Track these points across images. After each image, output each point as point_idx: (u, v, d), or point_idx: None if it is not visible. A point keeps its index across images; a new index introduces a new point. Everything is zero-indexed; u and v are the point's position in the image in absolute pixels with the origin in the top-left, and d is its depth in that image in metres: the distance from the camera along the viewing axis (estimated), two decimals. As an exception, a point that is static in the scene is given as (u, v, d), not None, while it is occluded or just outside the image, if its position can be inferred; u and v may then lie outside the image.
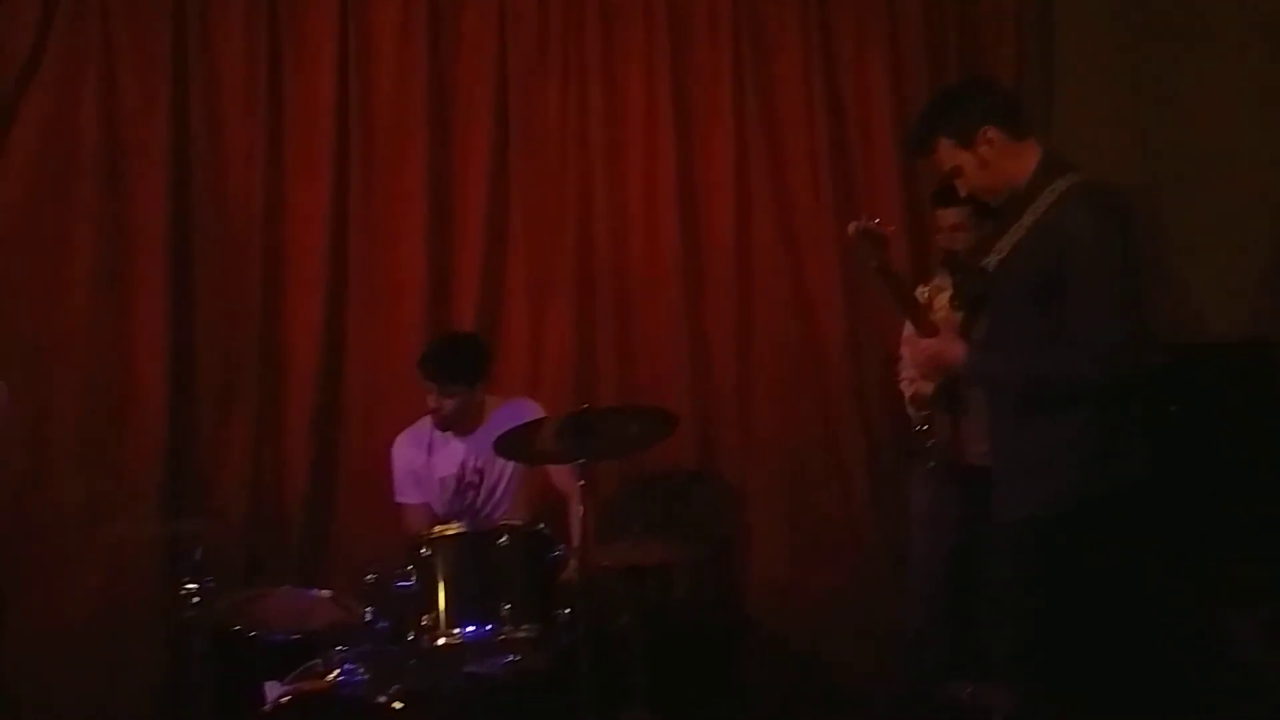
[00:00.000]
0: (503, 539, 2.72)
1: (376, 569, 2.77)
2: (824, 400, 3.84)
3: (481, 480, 3.38)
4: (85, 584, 3.50)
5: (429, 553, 2.72)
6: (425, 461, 3.39)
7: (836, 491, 3.80)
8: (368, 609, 2.72)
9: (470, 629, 2.66)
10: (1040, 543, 2.33)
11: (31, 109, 3.60)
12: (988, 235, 2.70)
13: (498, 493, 3.39)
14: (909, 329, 3.31)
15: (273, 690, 2.59)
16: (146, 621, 3.45)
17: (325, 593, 3.10)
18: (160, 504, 3.50)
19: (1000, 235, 2.47)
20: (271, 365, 3.70)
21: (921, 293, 3.03)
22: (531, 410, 3.30)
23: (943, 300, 3.11)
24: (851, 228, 2.60)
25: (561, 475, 3.36)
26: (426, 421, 3.40)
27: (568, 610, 2.72)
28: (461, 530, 2.80)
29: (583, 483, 2.76)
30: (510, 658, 2.76)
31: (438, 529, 2.82)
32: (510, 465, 3.33)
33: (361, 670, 2.60)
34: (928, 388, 2.87)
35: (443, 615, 2.67)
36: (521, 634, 2.66)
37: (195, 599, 2.77)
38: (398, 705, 2.53)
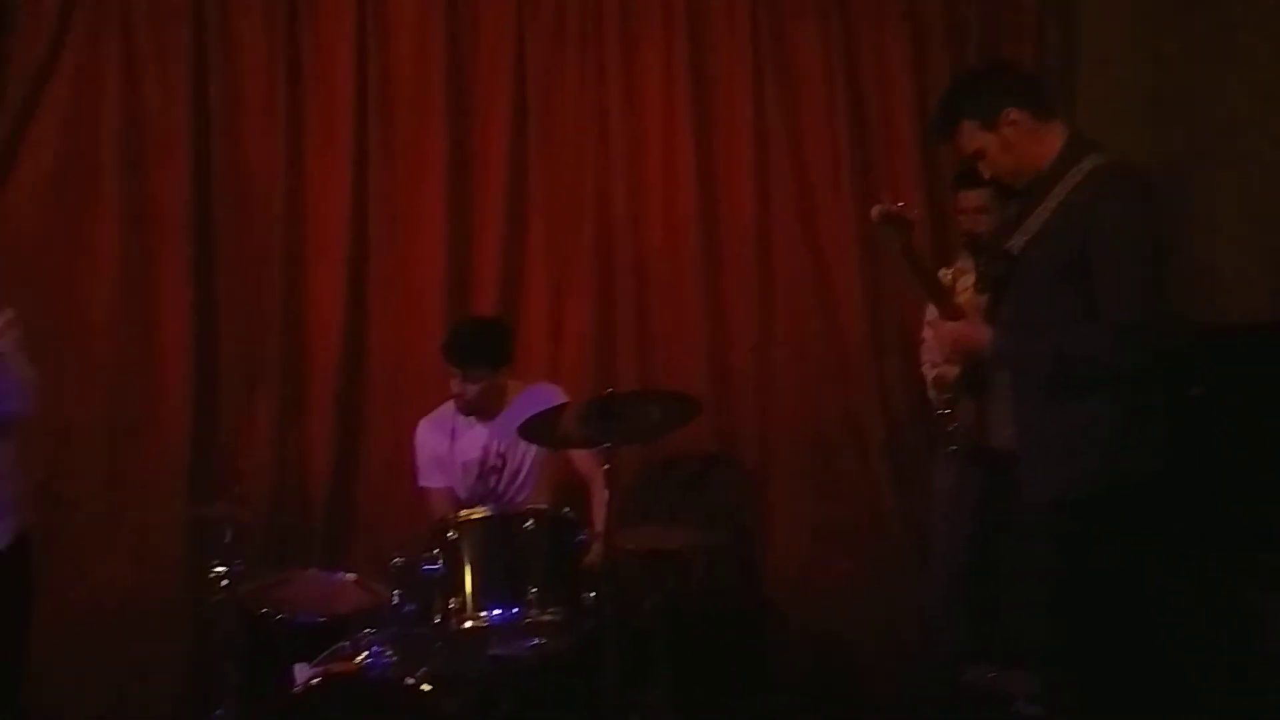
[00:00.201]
0: (529, 523, 2.74)
1: (403, 552, 2.79)
2: (844, 385, 3.84)
3: (504, 465, 3.40)
4: (112, 568, 3.54)
5: (456, 536, 2.74)
6: (448, 446, 3.41)
7: (857, 476, 3.80)
8: (395, 592, 2.74)
9: (497, 612, 2.68)
10: (1066, 526, 2.33)
11: (53, 100, 3.62)
12: (1010, 217, 2.69)
13: (520, 477, 3.41)
14: (931, 313, 3.31)
15: (302, 672, 2.62)
16: (174, 604, 3.48)
17: (350, 576, 3.13)
18: (186, 489, 3.54)
19: (1024, 217, 2.46)
20: (294, 351, 3.73)
21: (944, 276, 3.03)
22: (553, 395, 3.31)
23: (966, 283, 3.12)
24: (875, 211, 2.60)
25: (583, 460, 3.38)
26: (450, 406, 3.42)
27: (593, 594, 2.73)
28: (488, 514, 2.82)
29: (607, 467, 2.77)
30: (535, 641, 2.78)
31: (464, 513, 2.84)
32: (532, 450, 3.35)
33: (389, 652, 2.63)
34: (952, 371, 2.86)
35: (470, 598, 2.69)
36: (548, 617, 2.67)
37: (224, 582, 2.80)
38: (426, 687, 2.55)
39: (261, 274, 3.71)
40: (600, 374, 3.76)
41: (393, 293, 3.77)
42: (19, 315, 2.72)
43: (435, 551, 2.76)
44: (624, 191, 3.85)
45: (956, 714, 3.01)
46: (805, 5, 3.92)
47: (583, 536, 2.84)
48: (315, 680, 2.57)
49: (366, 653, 2.64)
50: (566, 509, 2.89)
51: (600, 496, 3.15)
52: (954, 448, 3.10)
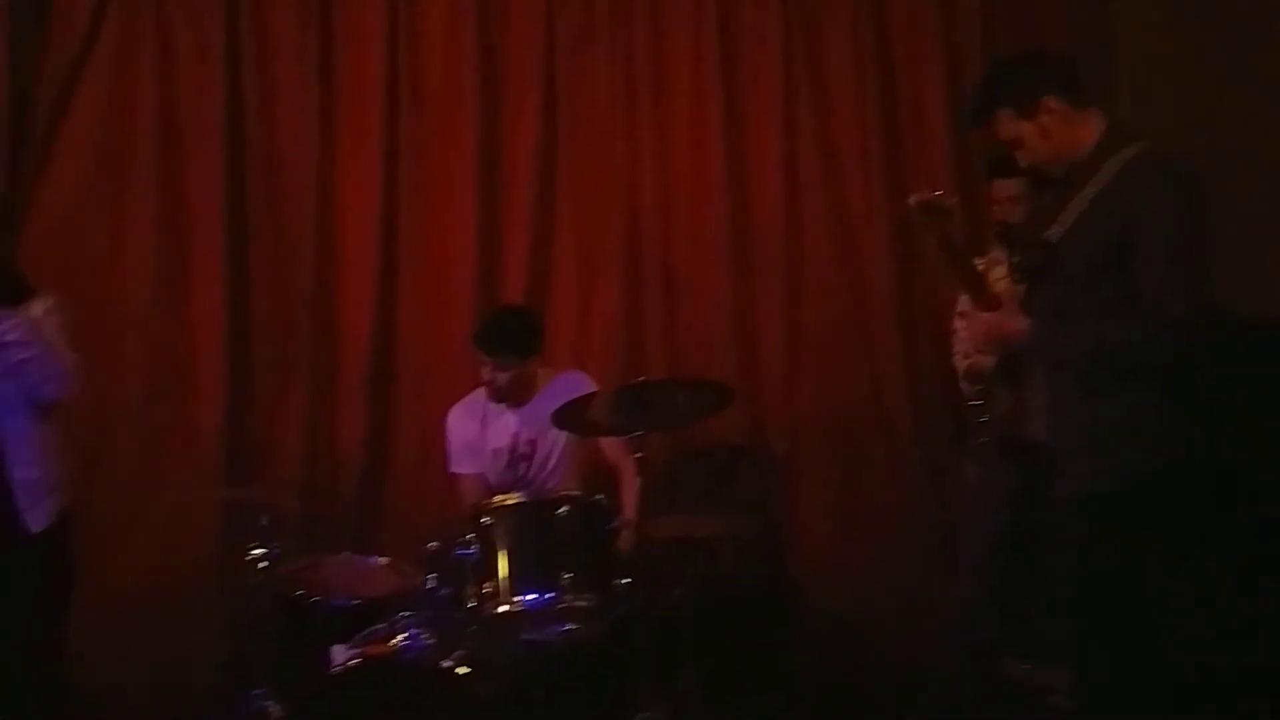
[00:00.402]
0: (563, 509, 2.76)
1: (438, 536, 2.82)
2: (874, 375, 3.84)
3: (534, 452, 3.42)
4: (149, 551, 3.59)
5: (490, 521, 2.76)
6: (479, 433, 3.44)
7: (886, 466, 3.80)
8: (430, 575, 2.77)
9: (531, 597, 2.70)
10: (1102, 519, 2.32)
11: (89, 90, 3.67)
12: (1045, 207, 2.68)
13: (549, 464, 3.43)
14: (963, 303, 3.29)
15: (340, 653, 2.66)
16: (210, 587, 3.53)
17: (383, 560, 3.17)
18: (220, 474, 3.58)
19: (1061, 206, 2.44)
20: (325, 338, 3.76)
21: (977, 266, 3.01)
22: (583, 383, 3.33)
23: (998, 274, 3.10)
24: (912, 200, 2.59)
25: (613, 447, 3.40)
26: (480, 393, 3.44)
27: (625, 581, 2.75)
28: (522, 500, 2.85)
29: (640, 455, 2.78)
30: (568, 626, 2.80)
31: (499, 498, 2.86)
32: (562, 437, 3.37)
33: (425, 635, 2.66)
34: (987, 362, 2.85)
35: (504, 583, 2.71)
36: (581, 603, 2.70)
37: (261, 564, 2.84)
38: (461, 670, 2.58)
39: (294, 262, 3.75)
40: (628, 362, 3.78)
41: (423, 281, 3.80)
42: (59, 301, 2.76)
43: (469, 536, 2.78)
44: (653, 181, 3.86)
45: (990, 706, 3.01)
46: (837, -4, 3.92)
47: (615, 523, 2.85)
48: (353, 661, 2.60)
49: (403, 635, 2.67)
50: (599, 495, 2.91)
51: (631, 484, 3.17)
52: (985, 439, 3.10)
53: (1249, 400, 2.76)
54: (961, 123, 3.74)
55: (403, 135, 3.78)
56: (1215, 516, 2.40)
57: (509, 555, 2.74)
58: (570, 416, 2.92)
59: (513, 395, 3.38)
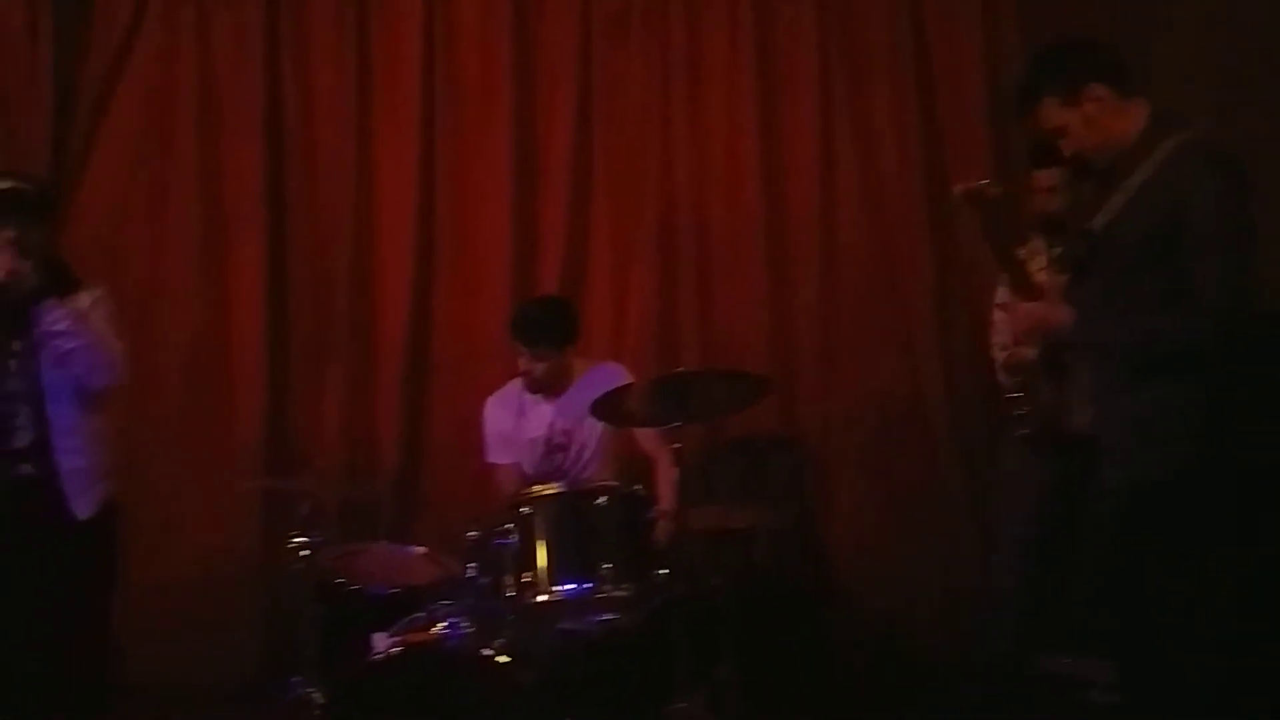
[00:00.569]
0: (601, 499, 2.77)
1: (477, 525, 2.83)
2: (910, 365, 3.83)
3: (569, 442, 3.43)
4: (190, 538, 3.64)
5: (530, 511, 2.77)
6: (515, 423, 3.45)
7: (922, 457, 3.79)
8: (470, 565, 2.79)
9: (570, 587, 2.71)
10: (1147, 511, 2.30)
11: (131, 82, 3.72)
12: (1086, 197, 2.65)
13: (585, 455, 3.44)
14: (1001, 294, 3.27)
15: (381, 641, 2.68)
16: (250, 575, 3.58)
17: (420, 549, 3.18)
18: (260, 463, 3.62)
19: (1105, 196, 2.42)
20: (363, 328, 3.80)
21: (1021, 256, 2.98)
22: (618, 374, 3.33)
23: (1038, 264, 3.07)
24: (958, 189, 2.57)
25: (648, 438, 3.40)
26: (517, 384, 3.45)
27: (663, 571, 2.76)
28: (561, 490, 2.85)
29: (678, 446, 2.78)
30: (605, 616, 2.81)
31: (538, 488, 2.87)
32: (598, 428, 3.37)
33: (465, 624, 2.67)
34: (1029, 353, 2.83)
35: (543, 572, 2.72)
36: (620, 593, 2.70)
37: (302, 553, 2.87)
38: (502, 659, 2.60)
39: (331, 253, 3.79)
40: (663, 352, 3.79)
41: (459, 272, 3.83)
42: (106, 292, 2.80)
43: (508, 525, 2.79)
44: (687, 171, 3.86)
45: (1029, 700, 2.99)
46: (873, -17, 3.90)
47: (653, 513, 2.86)
48: (394, 650, 2.62)
49: (443, 624, 2.68)
50: (637, 486, 2.91)
51: (668, 475, 3.17)
52: (1024, 431, 3.08)
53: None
54: (1000, 110, 3.73)
55: (439, 126, 3.81)
56: (1264, 508, 2.37)
57: (548, 545, 2.74)
58: (608, 407, 2.92)
59: (549, 386, 3.39)
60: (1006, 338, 3.19)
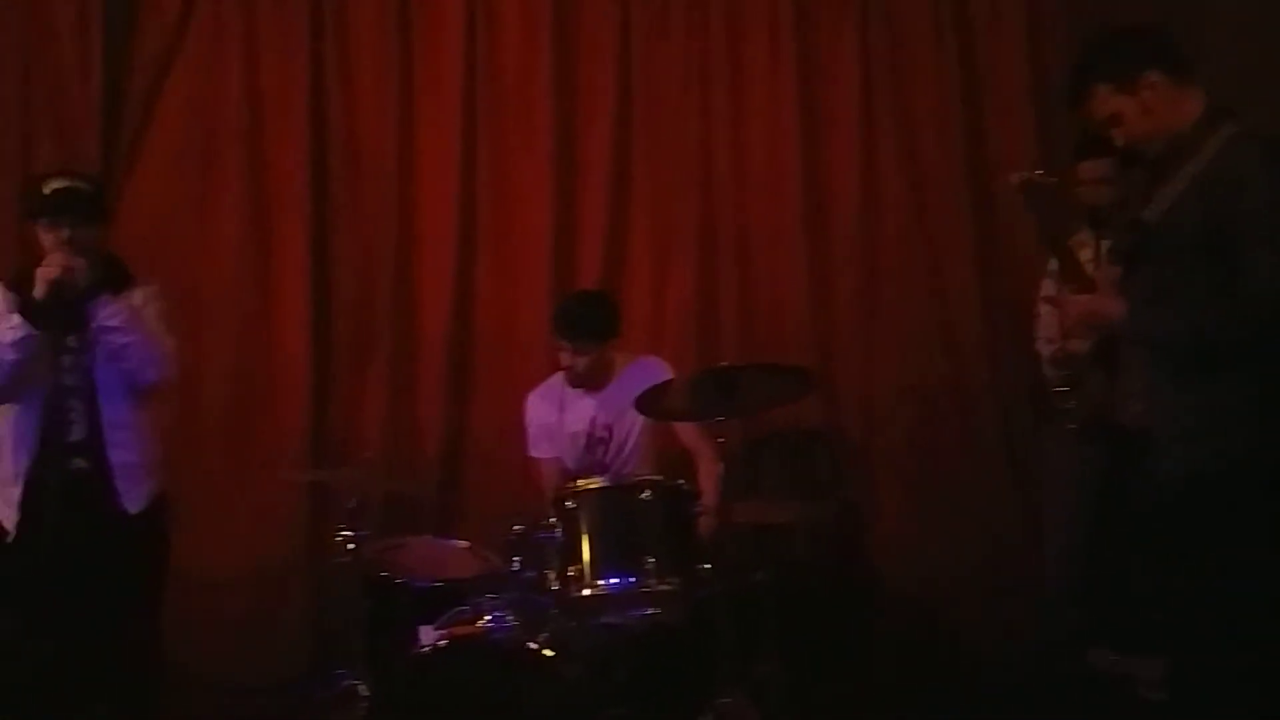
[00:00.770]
0: (646, 493, 2.77)
1: (522, 519, 2.84)
2: (953, 359, 3.80)
3: (610, 436, 3.43)
4: (237, 532, 3.68)
5: (574, 505, 2.78)
6: (557, 417, 3.46)
7: (966, 452, 3.76)
8: (515, 558, 2.80)
9: (614, 580, 2.72)
10: (1202, 505, 2.26)
11: (178, 82, 3.76)
12: (1134, 188, 2.61)
13: (626, 449, 3.43)
14: (1046, 287, 3.24)
15: (427, 634, 2.70)
16: (296, 568, 3.61)
17: (463, 543, 3.21)
18: (305, 457, 3.66)
19: (1157, 186, 2.38)
20: (405, 324, 3.82)
21: (1074, 248, 2.94)
22: (660, 369, 3.33)
23: (1086, 256, 3.04)
24: (1014, 178, 2.55)
25: (689, 432, 3.39)
26: (559, 378, 3.46)
27: (707, 565, 2.75)
28: (606, 484, 2.86)
29: (722, 440, 2.78)
30: (649, 610, 2.81)
31: (582, 482, 2.87)
32: (639, 422, 3.37)
33: (510, 617, 2.68)
34: (1080, 345, 2.80)
35: (588, 566, 2.73)
36: (665, 587, 2.70)
37: (350, 545, 2.89)
38: (548, 652, 2.61)
39: (375, 249, 3.82)
40: (703, 346, 3.79)
41: (500, 267, 3.84)
42: (159, 289, 2.84)
43: (552, 520, 2.80)
44: (727, 164, 3.85)
45: (1076, 697, 2.96)
46: (915, -27, 3.86)
47: (697, 508, 2.85)
48: (442, 642, 2.64)
49: (488, 617, 2.70)
50: (681, 480, 2.91)
51: (711, 469, 3.16)
52: (1072, 425, 3.05)
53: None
54: (1044, 102, 3.68)
55: (480, 124, 3.82)
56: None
57: (592, 539, 2.75)
58: (652, 402, 2.92)
59: (590, 380, 3.39)
60: (1052, 331, 3.16)
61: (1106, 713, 2.95)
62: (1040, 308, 3.31)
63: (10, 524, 2.72)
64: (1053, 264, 3.13)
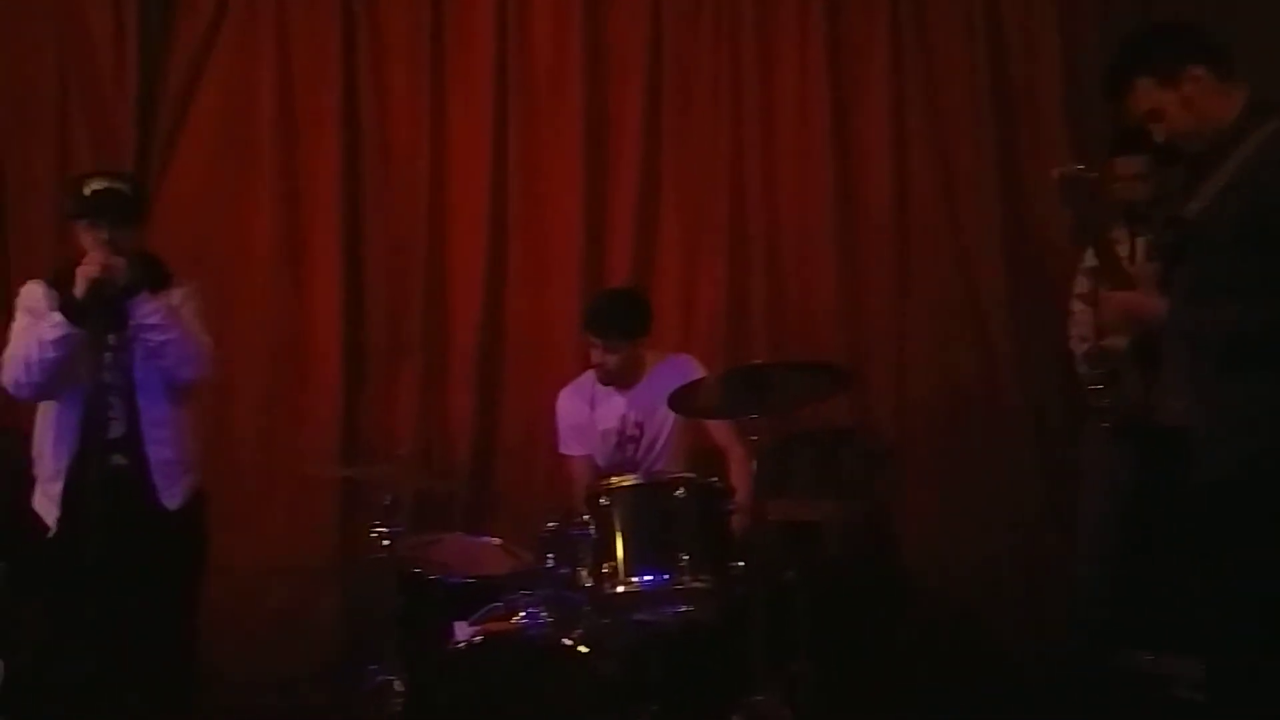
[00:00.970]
0: (680, 491, 2.76)
1: (555, 516, 2.85)
2: (985, 357, 3.77)
3: (641, 434, 3.43)
4: (270, 527, 3.71)
5: (608, 502, 2.78)
6: (588, 415, 3.46)
7: (998, 449, 3.73)
8: (549, 555, 2.81)
9: (648, 578, 2.71)
10: (1244, 504, 2.24)
11: (212, 82, 3.80)
12: (1180, 183, 2.59)
13: (657, 447, 3.44)
14: (1080, 284, 3.21)
15: (462, 630, 2.71)
16: (329, 563, 3.64)
17: (494, 540, 3.22)
18: (338, 454, 3.69)
19: (1198, 182, 2.35)
20: (436, 318, 3.84)
21: (1115, 244, 2.91)
22: (691, 367, 3.34)
23: (1122, 253, 3.01)
24: (1056, 173, 2.53)
25: (720, 430, 3.39)
26: (590, 375, 3.47)
27: (741, 563, 2.75)
28: (640, 481, 2.86)
29: (755, 438, 2.77)
30: (682, 608, 2.81)
31: (616, 479, 2.87)
32: (670, 419, 3.37)
33: (544, 613, 2.69)
34: (1119, 342, 2.77)
35: (621, 563, 2.73)
36: (698, 585, 2.70)
37: (384, 542, 2.91)
38: (582, 649, 2.61)
39: (406, 246, 3.84)
40: (732, 344, 3.78)
41: (530, 264, 3.85)
42: (197, 287, 2.87)
43: (585, 517, 2.81)
44: (758, 161, 3.85)
45: (1111, 697, 2.94)
46: (946, -33, 3.84)
47: (731, 505, 2.85)
48: (476, 638, 2.65)
49: (522, 613, 2.71)
50: (714, 478, 2.91)
51: (743, 467, 3.16)
52: (1106, 424, 3.02)
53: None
54: (1077, 98, 3.65)
55: (511, 120, 3.84)
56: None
57: (626, 536, 2.75)
58: (684, 400, 2.92)
59: (621, 377, 3.40)
60: (1086, 329, 3.13)
61: (1138, 712, 2.92)
62: (1074, 305, 3.28)
63: (51, 519, 2.76)
64: (1086, 261, 3.11)
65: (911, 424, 3.79)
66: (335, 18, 3.80)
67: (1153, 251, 2.43)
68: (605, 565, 2.74)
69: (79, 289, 2.62)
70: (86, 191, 2.72)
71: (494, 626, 2.71)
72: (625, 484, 2.83)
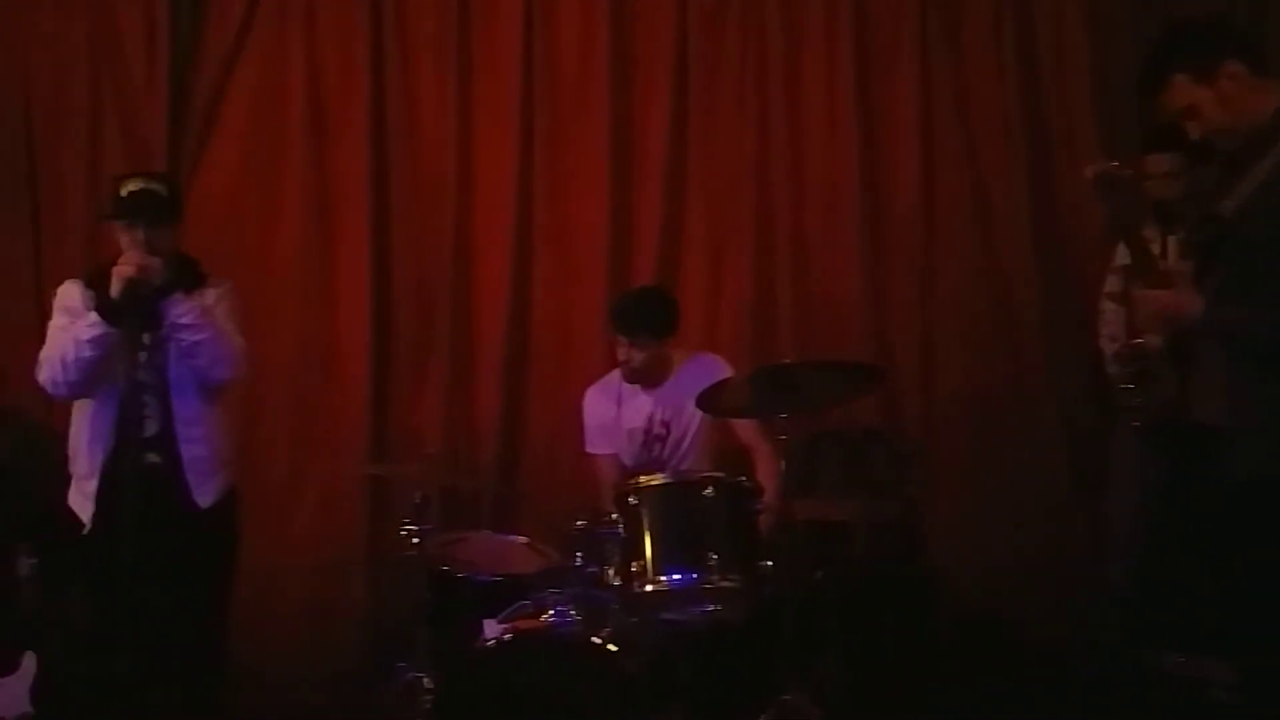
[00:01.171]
0: (708, 490, 2.77)
1: (583, 514, 2.86)
2: (1013, 356, 3.76)
3: (668, 433, 3.43)
4: (299, 525, 3.75)
5: (636, 501, 2.79)
6: (615, 413, 3.46)
7: (1027, 449, 3.72)
8: (578, 553, 2.82)
9: (677, 577, 2.71)
10: (1274, 505, 2.22)
11: (242, 82, 3.83)
12: (1214, 181, 2.56)
13: (683, 445, 3.44)
14: (1111, 283, 3.19)
15: (491, 628, 2.72)
16: (357, 561, 3.66)
17: (520, 538, 3.23)
18: (366, 452, 3.72)
19: (1234, 180, 2.33)
20: (463, 317, 3.86)
21: (1149, 242, 2.88)
22: (718, 366, 3.33)
23: (1153, 251, 2.99)
24: (1090, 170, 2.51)
25: (747, 429, 3.39)
26: (616, 374, 3.47)
27: (769, 563, 2.75)
28: (669, 480, 2.86)
29: (784, 437, 2.77)
30: (709, 607, 2.81)
31: (645, 478, 2.88)
32: (697, 418, 3.37)
33: (573, 612, 2.70)
34: (1154, 341, 2.75)
35: (650, 562, 2.73)
36: (727, 584, 2.70)
37: (414, 540, 2.93)
38: (611, 647, 2.62)
39: (434, 245, 3.86)
40: (759, 344, 3.78)
41: (556, 263, 3.87)
42: (230, 287, 2.89)
43: (614, 515, 2.81)
44: (784, 160, 3.84)
45: (1141, 698, 2.92)
46: (977, -34, 3.82)
47: (759, 505, 2.85)
48: (506, 636, 2.66)
49: (551, 612, 2.71)
50: (742, 477, 2.91)
51: (770, 466, 3.15)
52: (1137, 423, 3.00)
53: None
54: (1106, 98, 3.63)
55: (537, 121, 3.85)
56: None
57: (654, 535, 2.75)
58: (712, 399, 2.92)
59: (648, 376, 3.40)
60: (1117, 329, 3.11)
61: (1168, 713, 2.90)
62: (1104, 304, 3.26)
63: (86, 516, 2.79)
64: (1117, 259, 3.09)
65: (939, 423, 3.78)
66: (363, 19, 3.83)
67: (1185, 250, 2.41)
68: (634, 564, 2.75)
69: (115, 289, 2.64)
70: (123, 192, 2.75)
71: (523, 624, 2.72)
72: (654, 483, 2.84)
